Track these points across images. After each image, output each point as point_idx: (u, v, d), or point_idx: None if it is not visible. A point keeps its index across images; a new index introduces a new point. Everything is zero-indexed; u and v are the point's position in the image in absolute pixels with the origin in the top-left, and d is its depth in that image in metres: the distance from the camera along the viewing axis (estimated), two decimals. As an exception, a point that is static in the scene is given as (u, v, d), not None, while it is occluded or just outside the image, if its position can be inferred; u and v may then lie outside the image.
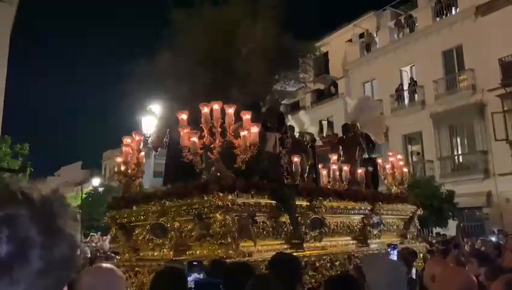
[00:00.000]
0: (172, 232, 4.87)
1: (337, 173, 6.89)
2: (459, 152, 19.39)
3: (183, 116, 5.03)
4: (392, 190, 7.66)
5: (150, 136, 13.25)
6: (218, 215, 4.46)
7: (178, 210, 4.87)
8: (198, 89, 6.44)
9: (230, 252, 4.36)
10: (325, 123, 23.45)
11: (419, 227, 8.52)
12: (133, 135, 5.97)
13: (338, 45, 23.36)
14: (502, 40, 16.87)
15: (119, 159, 5.81)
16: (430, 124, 19.49)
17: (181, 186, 4.90)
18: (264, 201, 4.91)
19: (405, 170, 7.95)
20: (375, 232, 6.54)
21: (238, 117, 4.91)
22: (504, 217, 16.59)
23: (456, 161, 19.29)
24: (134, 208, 5.37)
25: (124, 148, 5.77)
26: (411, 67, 21.46)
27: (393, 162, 7.84)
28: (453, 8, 19.91)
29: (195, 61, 6.45)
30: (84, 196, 23.43)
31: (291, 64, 7.09)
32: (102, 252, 14.56)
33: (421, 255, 6.34)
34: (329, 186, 6.77)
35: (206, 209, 4.58)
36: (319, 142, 8.25)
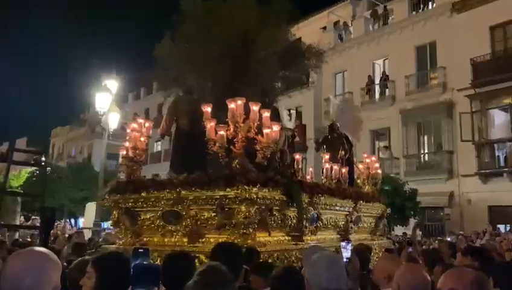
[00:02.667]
0: (188, 220, 5.22)
1: (329, 172, 7.56)
2: (425, 151, 19.88)
3: (208, 108, 5.39)
4: (365, 189, 8.24)
5: (103, 115, 12.77)
6: (243, 207, 4.88)
7: (196, 199, 5.20)
8: (209, 81, 6.84)
9: (249, 241, 4.80)
10: (293, 112, 23.47)
11: (387, 225, 9.27)
12: (139, 120, 6.42)
13: (312, 31, 23.32)
14: (475, 40, 17.21)
15: (127, 144, 6.12)
16: (399, 120, 19.81)
17: (204, 176, 5.26)
18: (278, 195, 5.34)
19: (379, 171, 8.68)
20: (355, 228, 7.22)
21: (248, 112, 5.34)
22: (464, 218, 17.27)
23: (422, 159, 19.73)
24: (143, 194, 5.58)
25: (132, 134, 6.09)
26: (384, 61, 21.66)
27: (369, 163, 8.51)
28: (430, 2, 20.29)
29: (206, 53, 6.74)
30: (27, 175, 22.37)
31: (296, 64, 7.73)
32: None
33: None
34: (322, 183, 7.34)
35: (228, 200, 4.97)
36: (296, 139, 8.95)
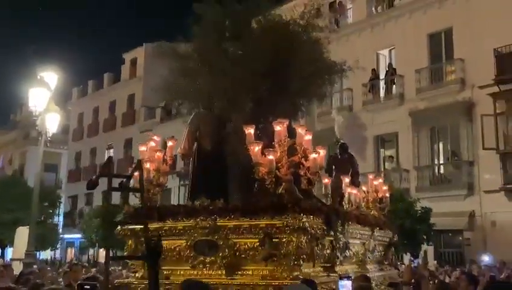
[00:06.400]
0: (226, 250, 5.86)
1: (352, 197, 8.15)
2: (440, 161, 20.06)
3: (251, 130, 6.10)
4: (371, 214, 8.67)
5: (39, 115, 12.48)
6: (294, 238, 5.54)
7: (236, 228, 5.85)
8: (241, 98, 7.42)
9: (297, 273, 5.50)
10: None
11: (394, 253, 9.99)
12: (155, 138, 6.97)
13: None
14: (499, 27, 17.32)
15: (148, 165, 6.55)
16: (409, 124, 19.96)
17: (249, 204, 5.91)
18: (319, 224, 5.92)
19: (387, 195, 9.22)
20: (371, 258, 7.82)
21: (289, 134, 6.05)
22: (488, 243, 17.35)
23: (436, 171, 19.87)
24: (169, 221, 6.25)
25: (156, 154, 6.69)
26: (390, 51, 21.94)
27: (376, 186, 8.97)
28: (446, -18, 20.64)
29: (237, 65, 7.31)
30: None
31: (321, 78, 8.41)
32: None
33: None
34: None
35: (276, 229, 5.63)
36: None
